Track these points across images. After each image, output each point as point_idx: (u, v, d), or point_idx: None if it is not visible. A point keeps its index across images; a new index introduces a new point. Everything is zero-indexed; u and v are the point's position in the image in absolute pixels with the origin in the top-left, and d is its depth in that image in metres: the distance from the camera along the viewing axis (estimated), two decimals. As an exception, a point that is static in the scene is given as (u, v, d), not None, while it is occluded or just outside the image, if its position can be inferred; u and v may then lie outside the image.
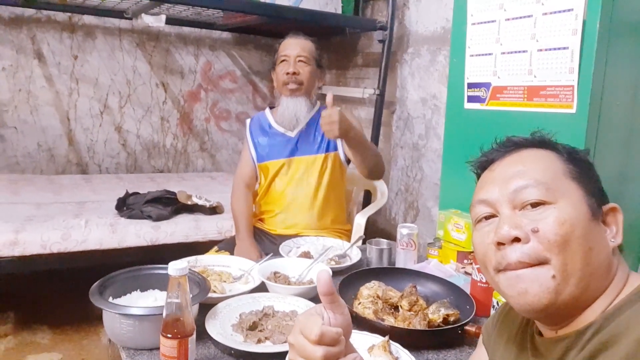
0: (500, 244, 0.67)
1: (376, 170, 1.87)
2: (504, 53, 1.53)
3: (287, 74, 1.88)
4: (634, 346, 0.56)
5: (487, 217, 0.72)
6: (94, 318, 2.45)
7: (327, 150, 1.95)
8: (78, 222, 2.27)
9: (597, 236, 0.66)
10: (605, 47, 1.32)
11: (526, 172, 0.69)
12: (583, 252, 0.64)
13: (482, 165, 0.78)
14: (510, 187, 0.69)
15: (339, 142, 1.96)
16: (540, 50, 1.41)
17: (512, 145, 0.75)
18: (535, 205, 0.67)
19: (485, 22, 1.58)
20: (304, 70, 1.90)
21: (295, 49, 1.92)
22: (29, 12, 3.20)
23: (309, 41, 1.97)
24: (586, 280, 0.64)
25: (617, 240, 0.68)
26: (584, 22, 1.31)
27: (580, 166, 0.70)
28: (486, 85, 1.60)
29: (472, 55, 1.64)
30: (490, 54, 1.57)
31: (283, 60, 1.91)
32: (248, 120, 2.10)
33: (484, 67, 1.60)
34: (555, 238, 0.63)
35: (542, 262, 0.64)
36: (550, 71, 1.40)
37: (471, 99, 1.67)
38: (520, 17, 1.46)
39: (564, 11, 1.35)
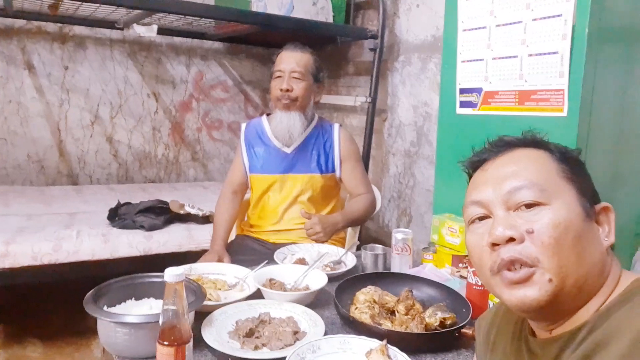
0: (494, 244, 0.67)
1: (369, 216, 2.04)
2: (495, 58, 1.55)
3: (281, 90, 1.83)
4: (627, 347, 0.56)
5: (480, 218, 0.72)
6: (85, 330, 2.42)
7: (324, 171, 1.92)
8: (69, 233, 2.25)
9: (591, 236, 0.66)
10: (594, 51, 1.34)
11: (520, 173, 0.69)
12: (577, 253, 0.64)
13: (474, 165, 0.77)
14: (504, 188, 0.69)
15: (337, 164, 1.94)
16: (531, 55, 1.43)
17: (504, 145, 0.75)
18: (529, 206, 0.67)
19: (476, 29, 1.60)
20: (297, 87, 1.84)
21: (290, 63, 1.84)
22: (20, 22, 3.19)
23: (306, 54, 1.89)
24: (582, 280, 0.64)
25: (610, 239, 0.68)
26: (573, 27, 1.33)
27: (573, 166, 0.71)
28: (478, 90, 1.62)
29: (464, 61, 1.66)
30: (481, 60, 1.59)
31: (278, 76, 1.86)
32: (243, 125, 2.04)
33: (476, 73, 1.62)
34: (549, 240, 0.64)
35: (535, 264, 0.64)
36: (540, 76, 1.42)
37: (463, 104, 1.68)
38: (511, 23, 1.48)
39: (553, 17, 1.37)
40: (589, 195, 0.69)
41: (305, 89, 1.86)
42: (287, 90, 1.83)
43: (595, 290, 0.66)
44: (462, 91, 1.68)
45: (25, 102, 3.29)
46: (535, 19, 1.42)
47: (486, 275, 0.70)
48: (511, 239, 0.65)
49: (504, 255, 0.66)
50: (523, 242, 0.65)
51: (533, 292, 0.64)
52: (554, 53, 1.37)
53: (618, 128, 1.50)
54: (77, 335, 2.42)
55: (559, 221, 0.64)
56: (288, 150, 1.91)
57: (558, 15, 1.36)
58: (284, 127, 1.86)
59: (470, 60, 1.63)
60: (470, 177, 0.79)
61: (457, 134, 1.72)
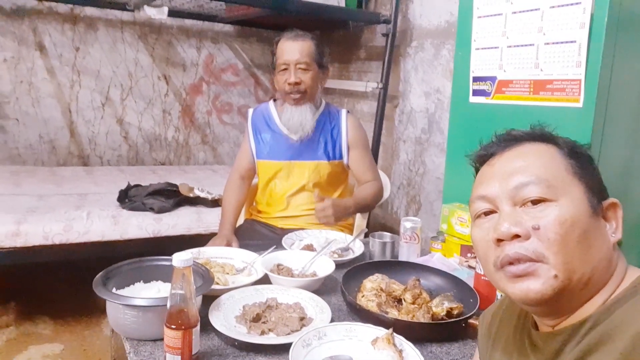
0: (499, 240, 0.67)
1: (377, 203, 2.04)
2: (510, 46, 1.52)
3: (289, 84, 1.80)
4: (630, 342, 0.56)
5: (486, 213, 0.71)
6: (95, 309, 2.46)
7: (331, 157, 1.91)
8: (80, 214, 2.27)
9: (598, 232, 0.66)
10: (612, 40, 1.31)
11: (527, 168, 0.68)
12: (583, 249, 0.64)
13: (481, 159, 0.76)
14: (511, 184, 0.68)
15: (344, 150, 1.93)
16: (547, 43, 1.40)
17: (512, 139, 0.74)
18: (536, 202, 0.66)
19: (491, 15, 1.57)
20: (305, 78, 1.80)
21: (294, 54, 1.79)
22: (31, 3, 3.18)
23: (307, 41, 1.82)
24: (587, 276, 0.64)
25: (617, 236, 0.68)
26: (592, 16, 1.30)
27: (582, 161, 0.70)
28: (492, 79, 1.59)
29: (478, 49, 1.63)
30: (496, 48, 1.56)
31: (283, 69, 1.81)
32: (250, 111, 2.02)
33: (490, 61, 1.59)
34: (555, 237, 0.63)
35: (541, 259, 0.64)
36: (557, 65, 1.39)
37: (476, 93, 1.66)
38: (527, 10, 1.45)
39: (572, 4, 1.34)
40: (597, 191, 0.68)
41: (312, 79, 1.83)
42: (296, 84, 1.80)
43: (601, 286, 0.65)
44: (476, 79, 1.65)
45: (36, 82, 3.30)
46: (552, 7, 1.38)
47: (490, 270, 0.70)
48: (516, 236, 0.65)
49: (508, 252, 0.65)
50: (528, 239, 0.65)
51: (536, 285, 0.64)
52: (572, 42, 1.34)
53: (635, 120, 1.47)
54: (87, 314, 2.46)
55: (565, 218, 0.64)
56: (295, 137, 1.90)
57: (577, 3, 1.32)
58: (296, 121, 1.84)
59: (485, 48, 1.60)
60: (477, 171, 0.78)
61: (469, 123, 1.70)
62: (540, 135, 0.73)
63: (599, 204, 0.67)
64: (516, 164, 0.69)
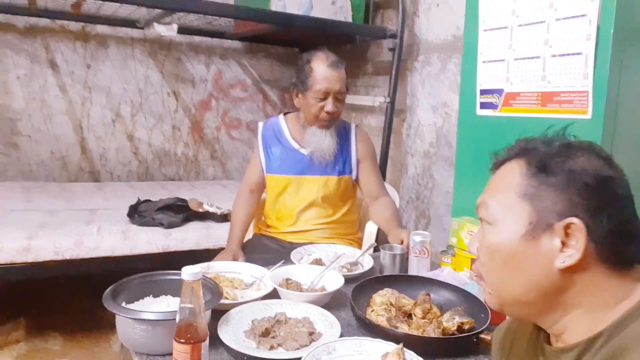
0: None
1: None
2: (516, 59, 1.52)
3: (328, 113, 1.81)
4: None
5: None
6: (105, 325, 2.46)
7: (341, 172, 1.92)
8: (90, 229, 2.29)
9: (530, 256, 0.66)
10: (619, 52, 1.31)
11: (488, 189, 0.74)
12: (508, 273, 0.68)
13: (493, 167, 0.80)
14: (477, 202, 0.75)
15: (354, 165, 1.94)
16: (554, 55, 1.41)
17: (498, 164, 0.76)
18: (484, 222, 0.72)
19: (497, 29, 1.58)
20: (340, 106, 1.85)
21: (335, 84, 1.80)
22: (44, 21, 3.25)
23: (343, 69, 1.86)
24: (522, 297, 0.68)
25: (570, 260, 0.63)
26: (598, 28, 1.31)
27: (549, 177, 0.65)
28: (499, 91, 1.60)
29: (485, 62, 1.63)
30: (502, 60, 1.57)
31: (323, 97, 1.80)
32: (260, 124, 2.02)
33: (497, 74, 1.59)
34: (484, 260, 0.71)
35: (482, 278, 0.73)
36: (564, 77, 1.39)
37: (484, 106, 1.66)
38: (533, 23, 1.46)
39: (577, 16, 1.34)
40: (552, 211, 0.64)
41: (343, 105, 1.88)
42: (334, 113, 1.83)
43: (562, 308, 0.66)
44: (483, 92, 1.66)
45: (48, 100, 3.35)
46: (558, 19, 1.39)
47: None
48: None
49: (473, 268, 0.75)
50: (478, 258, 0.74)
51: (487, 297, 0.74)
52: (578, 54, 1.34)
53: (645, 131, 1.46)
54: (96, 330, 2.46)
55: (489, 243, 0.70)
56: (305, 152, 1.90)
57: (582, 15, 1.33)
58: (324, 147, 1.86)
59: (491, 61, 1.61)
60: None
61: (477, 136, 1.70)
62: (519, 151, 0.72)
63: (547, 227, 0.64)
64: (490, 182, 0.75)
